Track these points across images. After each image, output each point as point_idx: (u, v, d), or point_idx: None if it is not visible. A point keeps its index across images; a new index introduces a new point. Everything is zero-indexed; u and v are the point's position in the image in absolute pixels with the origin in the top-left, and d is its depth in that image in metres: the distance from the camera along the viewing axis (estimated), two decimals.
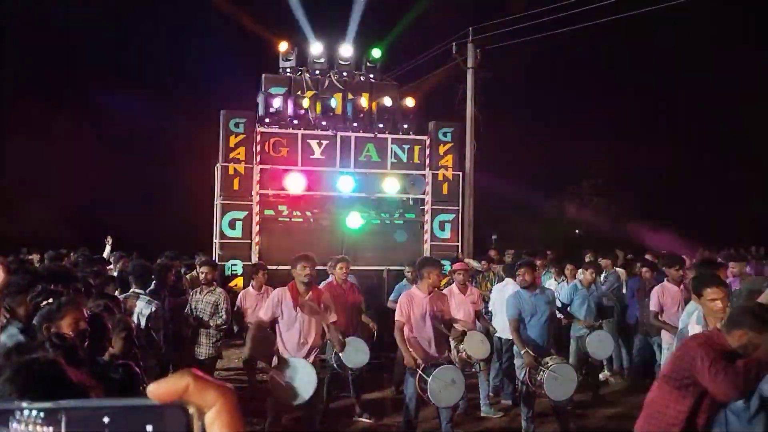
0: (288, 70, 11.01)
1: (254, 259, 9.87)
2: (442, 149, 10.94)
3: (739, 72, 23.52)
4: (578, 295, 7.78)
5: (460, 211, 11.23)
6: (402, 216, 10.80)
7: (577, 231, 27.68)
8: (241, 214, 10.10)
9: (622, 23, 14.33)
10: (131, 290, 6.01)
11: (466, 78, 15.65)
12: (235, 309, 7.69)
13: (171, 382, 0.56)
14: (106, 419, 0.52)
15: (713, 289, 4.20)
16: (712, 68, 24.44)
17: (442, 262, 10.37)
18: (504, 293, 7.77)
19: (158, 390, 0.55)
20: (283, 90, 10.74)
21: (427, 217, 10.78)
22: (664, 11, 13.02)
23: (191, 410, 0.55)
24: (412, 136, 10.88)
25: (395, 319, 5.93)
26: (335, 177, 10.35)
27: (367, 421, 7.23)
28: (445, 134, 11.02)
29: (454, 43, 15.56)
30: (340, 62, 11.14)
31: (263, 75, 11.03)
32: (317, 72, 11.02)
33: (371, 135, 10.61)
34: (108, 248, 10.81)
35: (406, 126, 10.85)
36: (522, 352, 6.10)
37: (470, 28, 15.41)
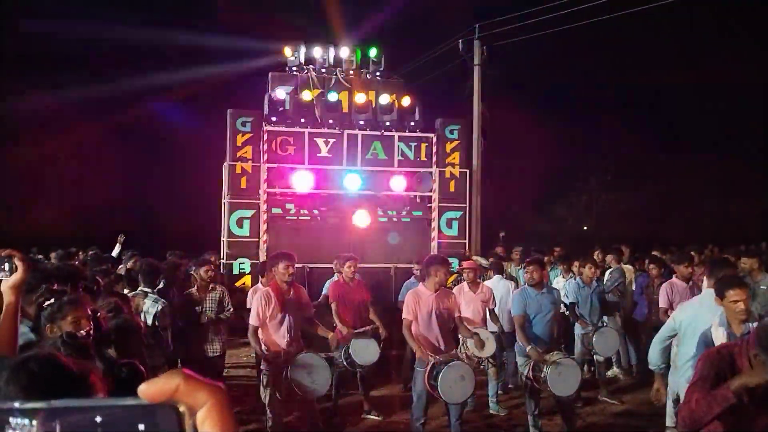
0: (294, 68, 11.02)
1: (262, 257, 9.89)
2: (449, 146, 10.93)
3: (749, 66, 23.35)
4: (581, 292, 7.76)
5: (468, 208, 11.21)
6: (409, 214, 10.79)
7: (585, 227, 27.61)
8: (249, 213, 10.12)
9: (630, 19, 14.26)
10: (139, 289, 6.05)
11: (473, 75, 15.61)
12: (248, 306, 7.70)
13: (162, 381, 0.56)
14: (98, 419, 0.53)
15: (735, 290, 4.14)
16: (722, 62, 24.27)
17: (450, 259, 10.46)
18: (497, 289, 7.78)
19: (149, 390, 0.56)
20: (289, 88, 10.75)
21: (435, 214, 10.78)
22: (671, 6, 12.95)
23: (182, 409, 0.55)
24: (418, 134, 10.87)
25: (402, 317, 5.94)
26: (342, 175, 10.36)
27: (375, 418, 7.24)
28: (452, 131, 11.01)
29: (460, 41, 15.52)
30: (346, 61, 11.13)
31: (270, 73, 11.05)
32: (323, 70, 11.03)
33: (378, 133, 10.61)
34: (118, 247, 10.87)
35: (412, 123, 10.85)
36: (528, 349, 6.10)
37: (477, 25, 15.37)
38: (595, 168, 26.84)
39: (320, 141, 10.41)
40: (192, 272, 8.46)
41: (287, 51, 11.19)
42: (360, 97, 10.70)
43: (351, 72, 11.09)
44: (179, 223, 21.43)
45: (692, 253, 8.77)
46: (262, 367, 5.96)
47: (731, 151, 24.53)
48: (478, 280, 7.70)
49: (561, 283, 8.64)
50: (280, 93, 10.53)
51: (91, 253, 10.86)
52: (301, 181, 10.14)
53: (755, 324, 3.66)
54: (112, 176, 24.32)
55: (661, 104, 25.31)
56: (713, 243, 13.19)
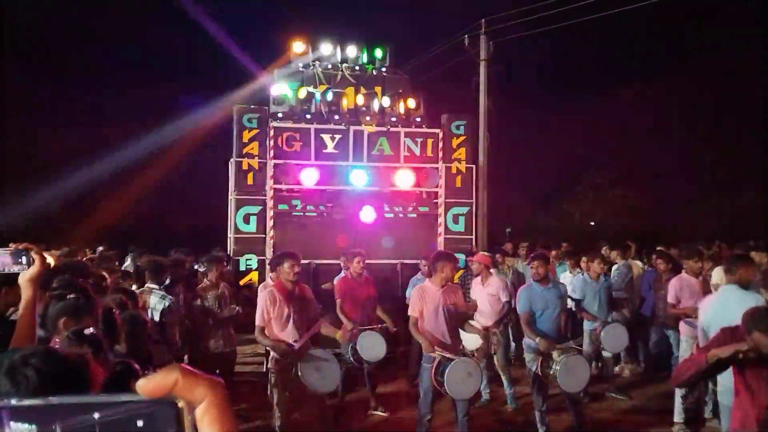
0: (300, 64, 11.00)
1: (269, 253, 9.90)
2: (455, 142, 10.90)
3: (757, 60, 23.18)
4: (589, 288, 7.73)
5: (474, 204, 11.17)
6: (415, 209, 10.78)
7: (592, 223, 27.51)
8: (255, 209, 10.13)
9: (635, 13, 14.17)
10: (146, 285, 6.06)
11: (479, 70, 15.57)
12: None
13: (160, 377, 0.56)
14: (96, 415, 0.53)
15: None
16: (726, 57, 24.11)
17: (456, 255, 10.45)
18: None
19: (147, 385, 0.56)
20: (295, 84, 10.74)
21: (441, 210, 10.76)
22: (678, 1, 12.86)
23: (181, 405, 0.55)
24: (424, 130, 10.84)
25: (408, 314, 5.94)
26: (348, 171, 10.36)
27: (382, 414, 7.25)
28: (458, 127, 10.97)
29: (466, 36, 15.48)
30: (352, 56, 11.09)
31: (276, 69, 11.04)
32: (329, 66, 11.00)
33: (384, 129, 10.59)
34: (129, 260, 10.82)
35: (418, 119, 10.82)
36: (537, 341, 6.08)
37: (483, 20, 15.32)
38: (603, 163, 26.72)
39: (326, 137, 10.40)
40: (201, 269, 8.49)
41: (293, 47, 11.15)
42: (366, 94, 10.67)
43: (357, 68, 11.06)
44: (186, 219, 21.50)
45: (700, 248, 8.72)
46: (269, 365, 5.96)
47: (739, 146, 24.37)
48: (491, 272, 7.72)
49: (568, 278, 8.61)
50: (277, 86, 10.48)
51: (99, 249, 10.90)
52: (308, 177, 10.14)
53: None
54: (119, 173, 24.38)
55: (671, 96, 25.12)
56: (721, 238, 13.10)
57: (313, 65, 10.95)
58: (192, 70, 27.11)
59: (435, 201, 10.85)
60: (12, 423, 0.52)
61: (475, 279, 7.85)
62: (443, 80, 16.72)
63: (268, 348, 5.94)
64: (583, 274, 8.07)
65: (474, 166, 11.28)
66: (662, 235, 16.60)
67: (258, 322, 5.67)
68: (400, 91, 10.88)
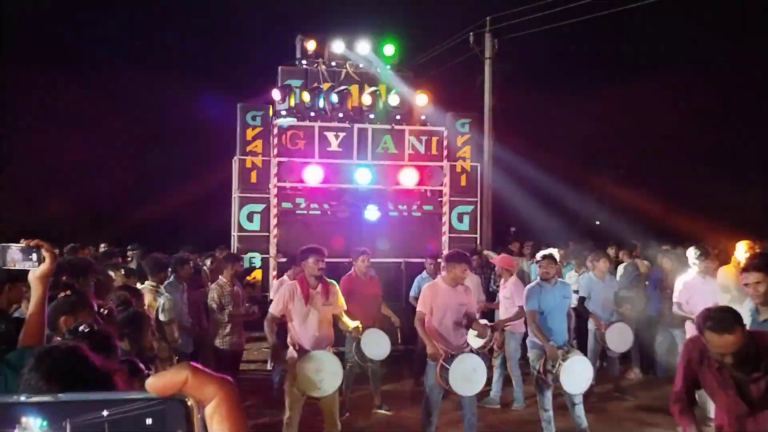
0: (304, 61, 10.98)
1: (272, 251, 9.91)
2: (459, 140, 10.87)
3: (760, 55, 23.08)
4: (594, 287, 7.70)
5: (479, 202, 11.15)
6: (420, 208, 10.75)
7: (597, 222, 27.43)
8: (259, 207, 10.12)
9: (641, 10, 14.11)
10: (146, 283, 6.05)
11: (484, 68, 15.52)
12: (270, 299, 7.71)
13: (170, 375, 0.56)
14: (105, 413, 0.52)
15: (749, 274, 4.20)
16: (737, 53, 24.00)
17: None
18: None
19: (157, 383, 0.55)
20: (299, 82, 10.72)
21: (445, 209, 10.73)
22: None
23: (191, 403, 0.55)
24: (429, 128, 10.82)
25: (417, 309, 5.93)
26: (352, 169, 10.33)
27: (386, 413, 7.24)
28: (462, 125, 10.95)
29: (471, 34, 15.43)
30: (364, 53, 11.02)
31: (279, 67, 11.02)
32: (333, 64, 10.97)
33: (388, 127, 10.57)
34: (134, 260, 10.80)
35: (423, 117, 10.79)
36: (546, 345, 6.06)
37: (487, 18, 15.27)
38: (608, 162, 26.65)
39: (330, 135, 10.38)
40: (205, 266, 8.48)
41: (297, 40, 11.12)
42: (371, 91, 10.64)
43: (361, 65, 11.02)
44: (190, 217, 21.51)
45: (707, 247, 8.65)
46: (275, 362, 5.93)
47: (746, 144, 24.28)
48: (512, 271, 7.75)
49: (574, 277, 8.58)
50: (276, 91, 10.44)
51: (102, 246, 10.90)
52: (312, 175, 10.12)
53: None
54: (122, 170, 24.44)
55: (677, 95, 25.05)
56: (728, 237, 13.00)
57: (317, 63, 10.93)
58: (196, 67, 27.14)
59: (439, 199, 10.83)
60: (23, 419, 0.52)
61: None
62: (448, 78, 16.68)
63: (268, 339, 5.88)
64: (588, 273, 8.04)
65: (479, 165, 11.25)
66: (669, 234, 16.52)
67: (272, 309, 5.67)
68: (405, 88, 10.84)
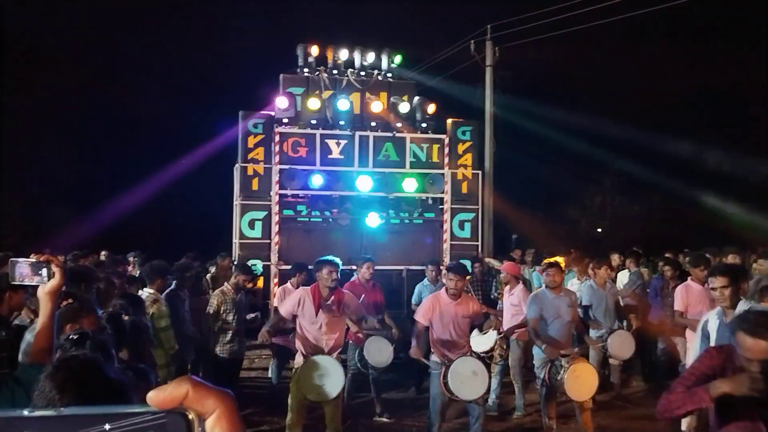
0: (306, 70, 11.02)
1: (274, 259, 9.91)
2: (461, 148, 10.88)
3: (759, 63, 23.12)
4: (595, 295, 7.69)
5: (480, 210, 11.15)
6: (421, 215, 10.76)
7: (599, 229, 27.40)
8: (261, 214, 10.13)
9: (643, 19, 14.15)
10: (144, 290, 6.04)
11: (485, 76, 15.55)
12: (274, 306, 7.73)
13: (170, 388, 0.56)
14: (107, 426, 0.53)
15: (715, 278, 4.29)
16: (739, 59, 24.05)
17: (462, 261, 10.42)
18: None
19: (158, 397, 0.56)
20: (301, 90, 10.75)
21: (447, 216, 10.73)
22: (684, 6, 12.83)
23: (191, 416, 0.55)
24: (430, 135, 10.83)
25: (415, 318, 5.93)
26: (354, 176, 10.35)
27: (387, 420, 7.22)
28: (464, 133, 10.96)
29: (472, 41, 15.48)
30: (362, 62, 11.06)
31: (281, 75, 11.06)
32: (335, 71, 11.01)
33: (389, 134, 10.59)
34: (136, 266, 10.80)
35: (424, 125, 10.81)
36: (542, 348, 6.04)
37: (488, 26, 15.32)
38: (609, 169, 26.63)
39: (332, 142, 10.40)
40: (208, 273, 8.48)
41: (299, 48, 11.14)
42: (372, 99, 10.67)
43: (363, 73, 11.06)
44: (191, 224, 21.54)
45: (708, 255, 8.65)
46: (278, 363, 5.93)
47: (754, 149, 24.28)
48: (518, 278, 7.75)
49: (576, 285, 8.57)
50: (282, 98, 10.46)
51: (103, 253, 10.90)
52: (313, 182, 10.14)
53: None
54: (124, 178, 24.48)
55: (678, 101, 25.10)
56: (730, 245, 12.99)
57: (319, 71, 10.96)
58: (197, 74, 27.23)
59: (441, 207, 10.83)
60: None
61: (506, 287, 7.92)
62: (449, 86, 16.71)
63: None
64: (590, 280, 8.02)
65: (480, 172, 11.26)
66: (669, 241, 16.50)
67: (281, 308, 5.74)
68: (406, 96, 10.86)
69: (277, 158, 10.18)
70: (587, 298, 7.70)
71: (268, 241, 10.09)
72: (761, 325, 2.76)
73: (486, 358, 6.95)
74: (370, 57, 10.97)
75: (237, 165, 10.39)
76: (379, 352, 6.66)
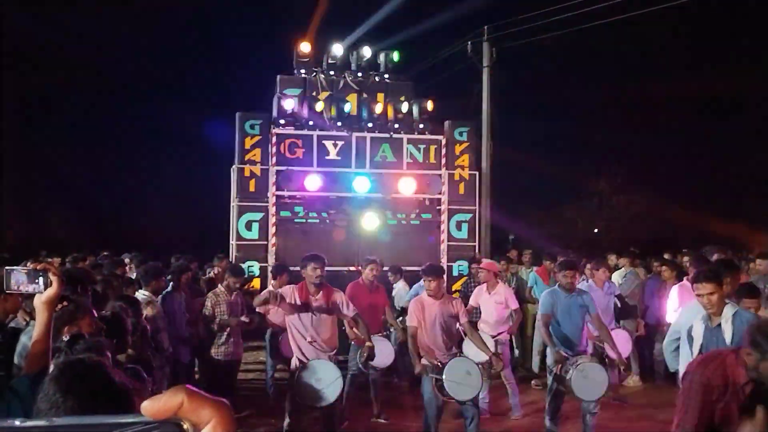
0: (303, 71, 11.00)
1: (271, 260, 9.89)
2: (458, 149, 10.88)
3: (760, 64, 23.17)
4: (593, 295, 7.67)
5: (477, 211, 11.15)
6: (418, 216, 10.75)
7: (596, 230, 27.44)
8: (258, 216, 10.12)
9: (641, 19, 14.17)
10: (139, 291, 6.01)
11: (482, 77, 15.56)
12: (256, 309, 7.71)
13: (165, 398, 0.55)
14: None
15: (701, 284, 4.25)
16: (736, 60, 24.11)
17: (459, 262, 10.43)
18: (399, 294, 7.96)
19: (152, 407, 0.55)
20: (298, 91, 10.74)
21: (444, 217, 10.72)
22: (682, 7, 12.85)
23: (186, 426, 0.54)
24: (427, 136, 10.82)
25: (407, 325, 5.92)
26: (351, 178, 10.33)
27: (385, 422, 7.20)
28: (461, 134, 10.96)
29: (469, 42, 15.48)
30: (359, 63, 11.05)
31: (278, 76, 11.04)
32: (332, 73, 10.99)
33: (386, 135, 10.58)
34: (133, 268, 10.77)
35: (421, 126, 10.80)
36: (552, 350, 6.03)
37: (485, 27, 15.32)
38: (606, 170, 26.67)
39: (329, 144, 10.38)
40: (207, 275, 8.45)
41: (296, 49, 11.10)
42: (369, 100, 10.67)
43: (360, 74, 11.04)
44: (188, 226, 21.50)
45: (706, 256, 8.65)
46: (279, 367, 5.91)
47: (744, 151, 24.34)
48: (498, 281, 7.67)
49: None
50: (289, 95, 10.47)
51: (104, 254, 10.86)
52: (310, 183, 10.12)
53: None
54: (121, 180, 24.45)
55: (675, 103, 25.12)
56: (726, 245, 13.01)
57: (316, 72, 10.95)
58: (195, 76, 27.20)
59: (438, 208, 10.82)
60: None
61: (480, 286, 7.80)
62: (446, 87, 16.73)
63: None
64: (587, 281, 8.02)
65: (477, 173, 11.26)
66: (666, 242, 16.53)
67: (273, 318, 5.69)
68: (403, 97, 10.85)
69: (274, 159, 10.17)
70: None
71: (265, 242, 10.08)
72: None
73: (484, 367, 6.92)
74: (367, 52, 10.93)
75: (234, 166, 10.37)
76: (381, 353, 6.65)
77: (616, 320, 7.99)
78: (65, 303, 3.02)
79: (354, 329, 6.20)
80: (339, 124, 10.39)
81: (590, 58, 26.00)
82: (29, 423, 0.52)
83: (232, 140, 10.45)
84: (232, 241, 10.35)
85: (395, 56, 11.20)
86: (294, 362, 5.63)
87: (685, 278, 7.25)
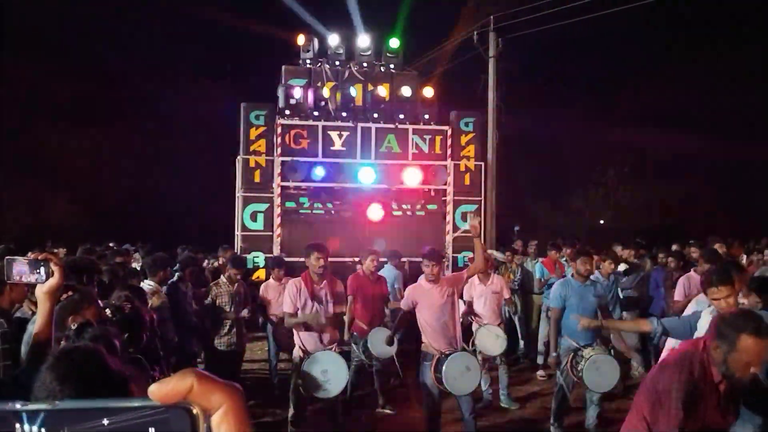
0: (308, 61, 10.97)
1: (276, 251, 9.90)
2: (463, 139, 10.84)
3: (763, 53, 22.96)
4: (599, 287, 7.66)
5: (483, 201, 11.12)
6: (423, 207, 10.73)
7: (602, 221, 27.37)
8: (263, 207, 10.12)
9: (644, 9, 14.06)
10: (145, 282, 6.03)
11: (488, 67, 15.48)
12: (258, 301, 7.74)
13: (174, 381, 0.53)
14: (105, 421, 0.50)
15: (715, 288, 4.07)
16: (741, 50, 23.88)
17: (465, 253, 10.41)
18: (388, 277, 7.92)
19: (161, 390, 0.52)
20: (303, 81, 10.71)
21: (449, 207, 10.71)
22: None
23: (196, 411, 0.52)
24: (433, 127, 10.79)
25: (401, 306, 6.00)
26: (356, 168, 10.32)
27: (390, 412, 7.22)
28: (467, 124, 10.92)
29: (475, 32, 15.39)
30: (360, 53, 11.05)
31: (283, 66, 11.02)
32: (337, 63, 10.96)
33: (392, 126, 10.55)
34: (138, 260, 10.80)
35: (427, 116, 10.76)
36: (553, 355, 6.04)
37: (492, 17, 15.23)
38: (613, 160, 26.56)
39: (334, 134, 10.37)
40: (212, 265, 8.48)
41: (301, 39, 11.08)
42: (374, 90, 10.64)
43: (365, 65, 11.01)
44: (193, 216, 21.55)
45: (716, 246, 8.61)
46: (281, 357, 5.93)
47: (751, 142, 24.16)
48: (490, 272, 7.63)
49: None
50: (294, 86, 10.45)
51: (110, 244, 10.91)
52: (315, 174, 10.11)
53: None
54: (126, 170, 24.49)
55: (682, 92, 24.93)
56: (733, 236, 12.96)
57: (321, 62, 10.92)
58: (200, 66, 27.17)
59: (443, 198, 10.81)
60: (18, 426, 0.50)
61: (470, 280, 7.70)
62: (452, 77, 16.66)
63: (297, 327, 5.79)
64: (594, 272, 8.00)
65: (483, 164, 11.22)
66: (673, 232, 16.46)
67: (286, 308, 5.66)
68: (409, 87, 10.81)
69: (279, 150, 10.16)
70: None
71: (270, 233, 10.09)
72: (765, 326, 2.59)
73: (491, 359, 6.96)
74: (364, 41, 10.89)
75: (239, 157, 10.37)
76: (383, 343, 6.65)
77: (621, 311, 7.96)
78: (71, 293, 3.03)
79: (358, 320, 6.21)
80: (344, 114, 10.36)
81: (598, 47, 25.81)
82: (31, 406, 0.51)
83: (236, 130, 10.43)
84: (237, 232, 10.36)
85: (392, 43, 11.12)
86: (296, 353, 5.64)
87: (692, 270, 7.23)
